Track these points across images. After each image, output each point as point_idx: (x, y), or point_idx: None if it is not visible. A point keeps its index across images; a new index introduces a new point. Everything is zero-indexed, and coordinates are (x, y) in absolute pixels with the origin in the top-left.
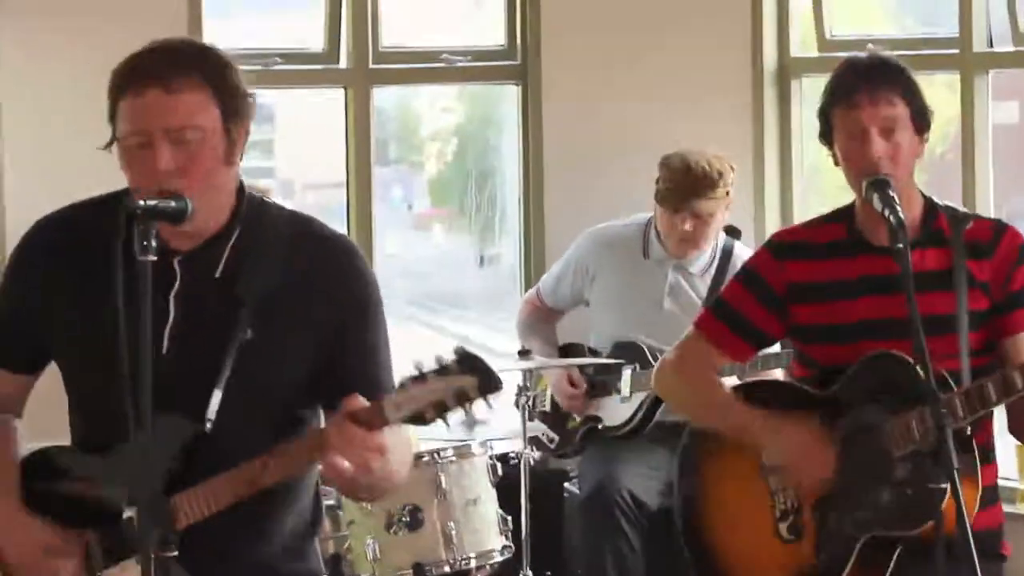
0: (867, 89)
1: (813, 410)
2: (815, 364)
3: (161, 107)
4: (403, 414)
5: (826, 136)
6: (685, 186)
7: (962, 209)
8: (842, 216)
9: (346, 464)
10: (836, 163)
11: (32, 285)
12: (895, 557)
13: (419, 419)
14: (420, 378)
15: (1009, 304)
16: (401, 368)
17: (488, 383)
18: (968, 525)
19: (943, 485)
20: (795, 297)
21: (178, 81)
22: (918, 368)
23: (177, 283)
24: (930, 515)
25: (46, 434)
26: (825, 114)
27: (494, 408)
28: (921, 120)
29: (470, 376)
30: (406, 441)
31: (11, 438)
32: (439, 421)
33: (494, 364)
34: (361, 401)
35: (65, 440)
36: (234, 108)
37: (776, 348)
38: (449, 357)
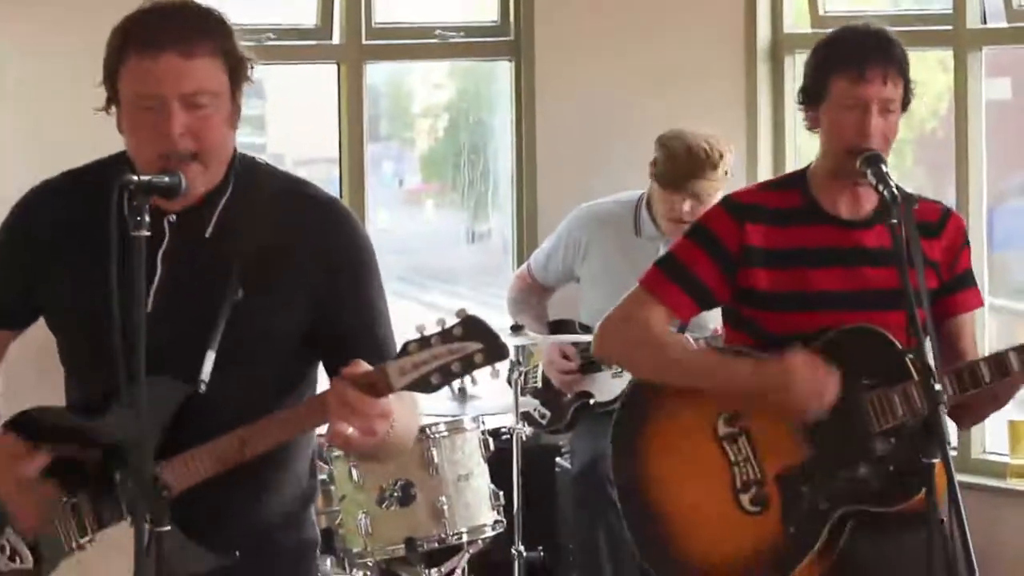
0: (881, 65)
1: None
2: (760, 332)
3: (177, 71)
4: (408, 379)
5: (813, 97)
6: (687, 167)
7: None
8: (795, 183)
9: (350, 430)
10: (811, 127)
11: (26, 249)
12: (847, 528)
13: (424, 384)
14: (424, 342)
15: (954, 285)
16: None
17: (495, 350)
18: (959, 496)
19: (933, 460)
20: (749, 260)
21: (194, 46)
22: (897, 343)
23: (166, 242)
24: (912, 492)
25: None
26: (822, 77)
27: (499, 373)
28: (906, 102)
29: (476, 342)
30: (413, 403)
31: None
32: (444, 387)
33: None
34: (364, 366)
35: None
36: (241, 73)
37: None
38: (453, 321)
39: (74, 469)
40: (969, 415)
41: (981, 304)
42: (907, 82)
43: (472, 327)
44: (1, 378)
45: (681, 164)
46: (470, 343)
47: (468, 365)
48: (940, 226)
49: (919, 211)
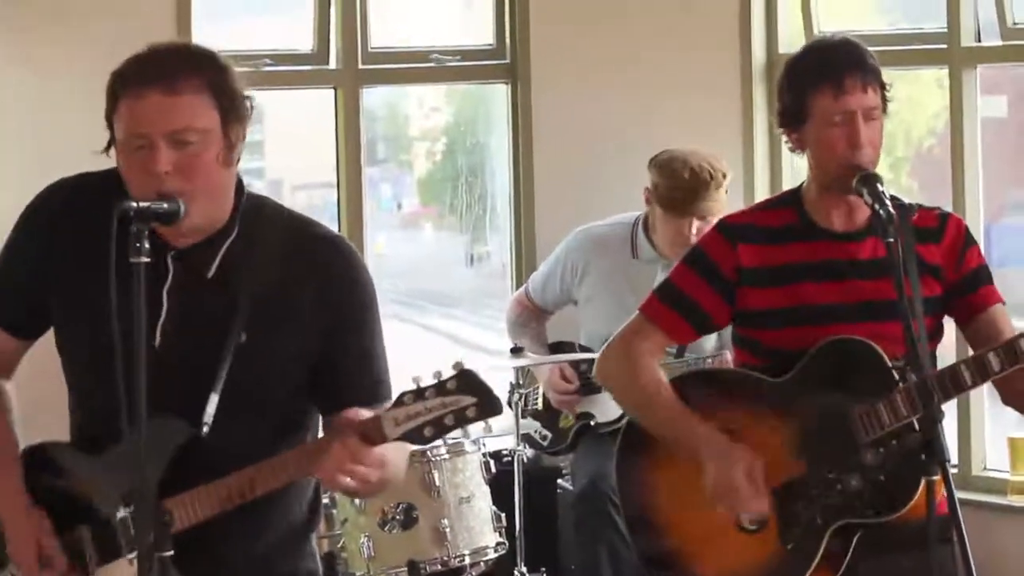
0: (858, 74)
1: (767, 399)
2: (763, 350)
3: (162, 109)
4: (401, 430)
5: (794, 119)
6: (693, 190)
7: (907, 200)
8: (790, 201)
9: (346, 480)
10: (797, 149)
11: (38, 248)
12: (853, 544)
13: (417, 436)
14: (419, 394)
15: (970, 284)
16: (395, 371)
17: (488, 405)
18: (959, 513)
19: (934, 478)
20: (745, 281)
21: (179, 84)
22: (882, 353)
23: (170, 279)
24: (904, 502)
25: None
26: (801, 96)
27: (493, 432)
28: (885, 108)
29: (470, 396)
30: (402, 446)
31: (3, 405)
32: (437, 439)
33: (487, 365)
34: (360, 414)
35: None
36: (233, 111)
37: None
38: (449, 374)
39: (77, 505)
40: None
41: (1002, 300)
42: (883, 86)
43: (466, 381)
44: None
45: (686, 187)
46: (464, 397)
47: (461, 419)
48: (940, 230)
49: (918, 219)
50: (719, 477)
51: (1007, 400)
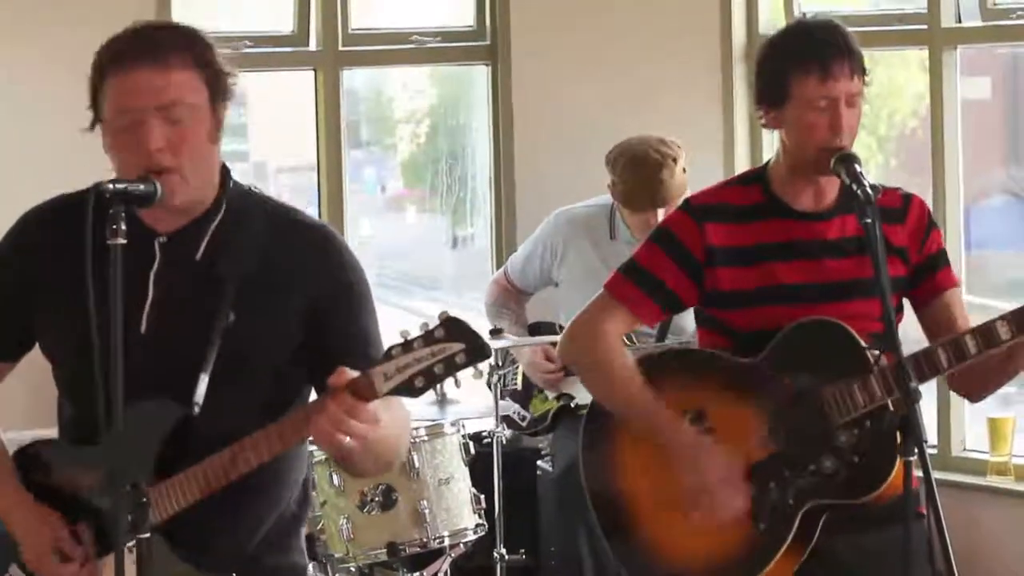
0: (846, 60)
1: (738, 379)
2: (731, 330)
3: (152, 84)
4: (392, 384)
5: (774, 97)
6: (647, 183)
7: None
8: (756, 179)
9: (342, 438)
10: (771, 127)
11: (16, 274)
12: (820, 524)
13: (408, 388)
14: (407, 346)
15: (931, 266)
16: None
17: (476, 349)
18: (936, 493)
19: (911, 458)
20: (714, 261)
21: (168, 59)
22: (855, 335)
23: (156, 264)
24: (877, 483)
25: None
26: (784, 77)
27: (483, 373)
28: (863, 93)
29: (457, 342)
30: (403, 413)
31: None
32: (429, 390)
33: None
34: (350, 373)
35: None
36: (220, 87)
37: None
38: (435, 324)
39: (75, 500)
40: (978, 387)
41: (957, 283)
42: (864, 71)
43: (453, 328)
44: None
45: (640, 182)
46: (452, 344)
47: (450, 366)
48: (904, 211)
49: (881, 199)
50: (694, 486)
51: (952, 384)
